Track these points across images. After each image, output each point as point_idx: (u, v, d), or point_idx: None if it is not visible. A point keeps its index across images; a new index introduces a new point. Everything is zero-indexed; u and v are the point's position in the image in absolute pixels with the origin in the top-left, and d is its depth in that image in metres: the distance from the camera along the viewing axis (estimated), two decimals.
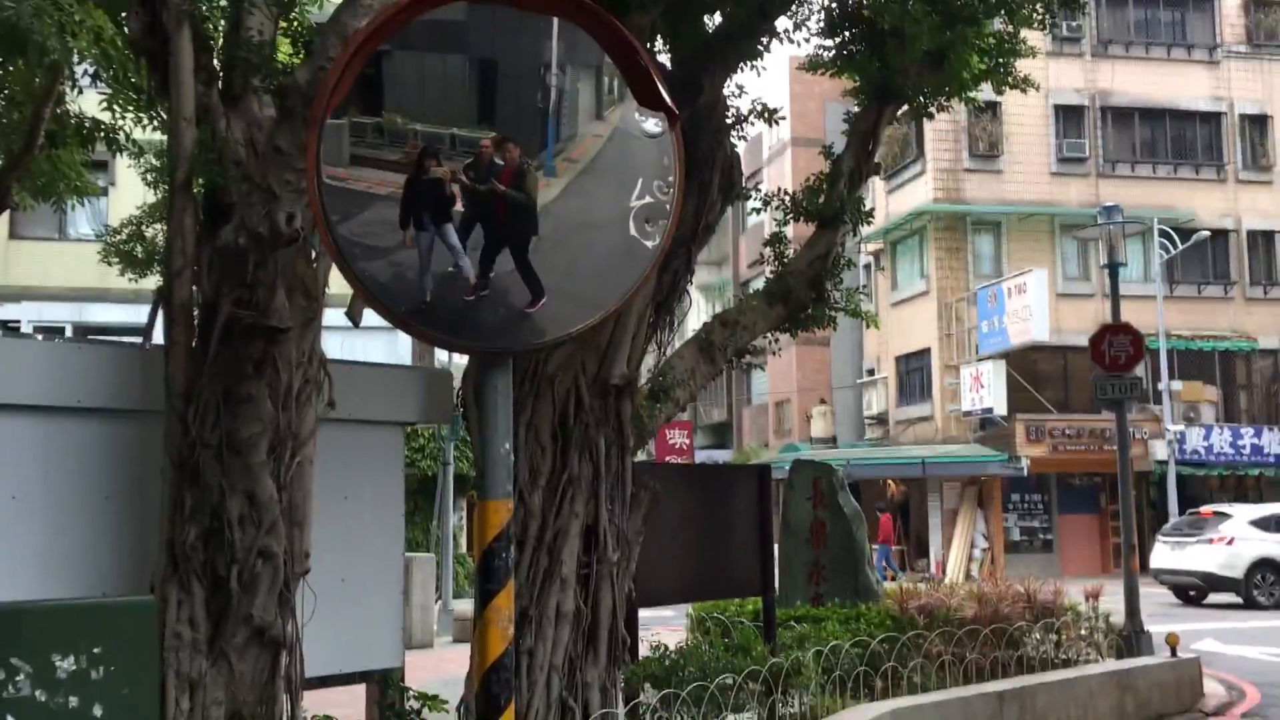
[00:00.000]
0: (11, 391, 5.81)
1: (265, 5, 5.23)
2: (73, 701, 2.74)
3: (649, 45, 6.25)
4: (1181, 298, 30.68)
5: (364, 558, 7.08)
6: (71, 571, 5.70)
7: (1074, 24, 30.95)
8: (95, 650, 2.74)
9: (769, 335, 9.15)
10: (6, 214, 20.87)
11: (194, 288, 5.29)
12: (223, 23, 5.74)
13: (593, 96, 4.62)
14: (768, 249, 9.03)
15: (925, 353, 31.37)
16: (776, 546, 12.89)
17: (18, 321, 24.12)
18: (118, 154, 13.33)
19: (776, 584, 11.93)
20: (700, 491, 9.11)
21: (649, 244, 3.93)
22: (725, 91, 7.38)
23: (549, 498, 6.71)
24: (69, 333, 23.62)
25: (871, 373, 34.13)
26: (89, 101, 12.59)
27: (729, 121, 7.47)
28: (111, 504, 5.98)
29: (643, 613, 10.83)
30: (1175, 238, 29.31)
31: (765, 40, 6.92)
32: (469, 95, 4.55)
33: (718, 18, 6.69)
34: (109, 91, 11.30)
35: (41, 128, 12.16)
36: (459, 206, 4.33)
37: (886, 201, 32.48)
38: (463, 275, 4.21)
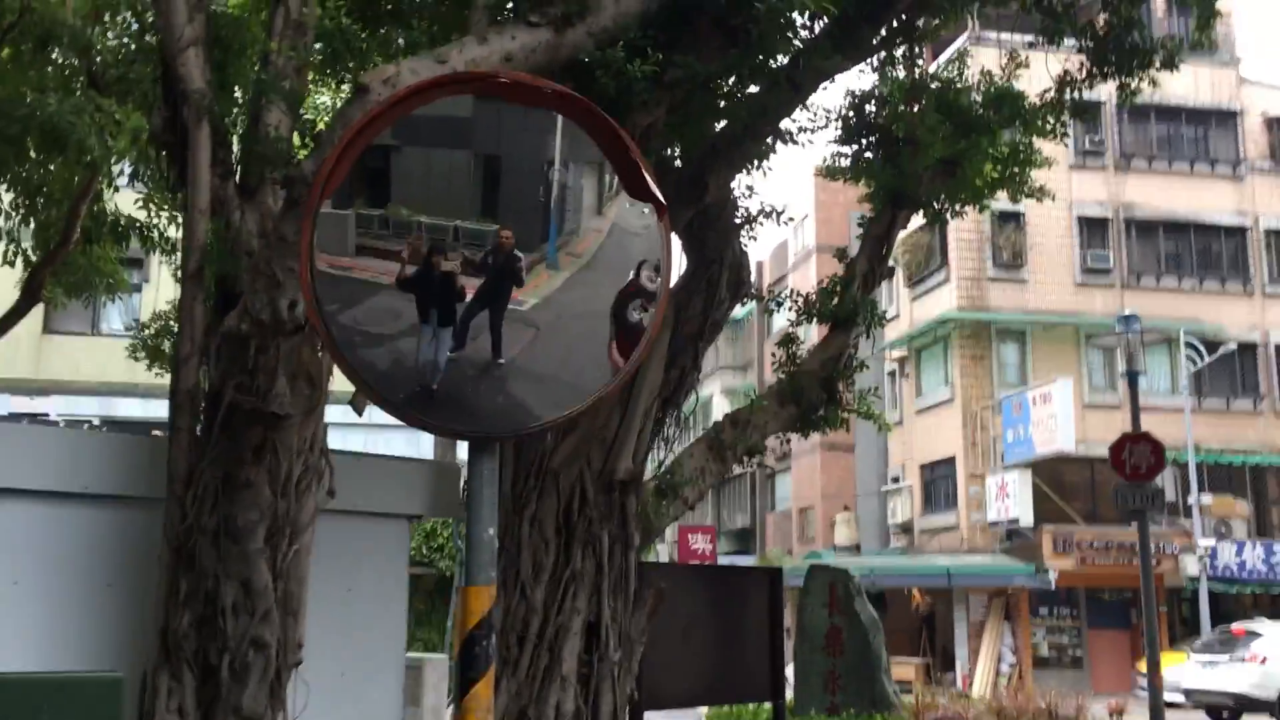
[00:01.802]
0: (18, 476, 5.87)
1: (280, 102, 5.39)
2: None
3: (655, 146, 6.39)
4: (1210, 411, 30.37)
5: (363, 651, 7.01)
6: (67, 658, 5.68)
7: (1096, 138, 31.34)
8: None
9: (780, 436, 9.13)
10: (41, 309, 21.31)
11: (201, 375, 5.36)
12: (241, 119, 5.92)
13: (594, 192, 4.72)
14: (780, 350, 9.06)
15: (950, 461, 31.08)
16: (791, 653, 12.67)
17: (46, 414, 24.39)
18: (151, 251, 13.64)
19: (792, 692, 11.70)
20: (710, 593, 9.00)
21: (636, 326, 3.96)
22: (735, 192, 7.51)
23: (551, 593, 6.65)
24: (98, 425, 23.85)
25: (896, 480, 33.80)
26: (125, 199, 12.93)
27: (737, 222, 7.58)
28: (113, 591, 5.98)
29: (654, 716, 10.62)
30: (1203, 350, 29.15)
31: (770, 141, 7.05)
32: (472, 188, 4.65)
33: (722, 120, 6.84)
34: (145, 190, 11.63)
35: (78, 224, 12.49)
36: (468, 298, 4.38)
37: (911, 309, 32.58)
38: (466, 363, 4.24)
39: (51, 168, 11.89)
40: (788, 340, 9.18)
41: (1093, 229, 31.24)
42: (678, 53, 5.37)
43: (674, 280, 7.84)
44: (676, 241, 7.66)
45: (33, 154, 11.18)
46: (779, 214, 7.82)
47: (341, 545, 6.91)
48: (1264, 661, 20.00)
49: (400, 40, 6.75)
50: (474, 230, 4.63)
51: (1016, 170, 10.35)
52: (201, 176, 5.42)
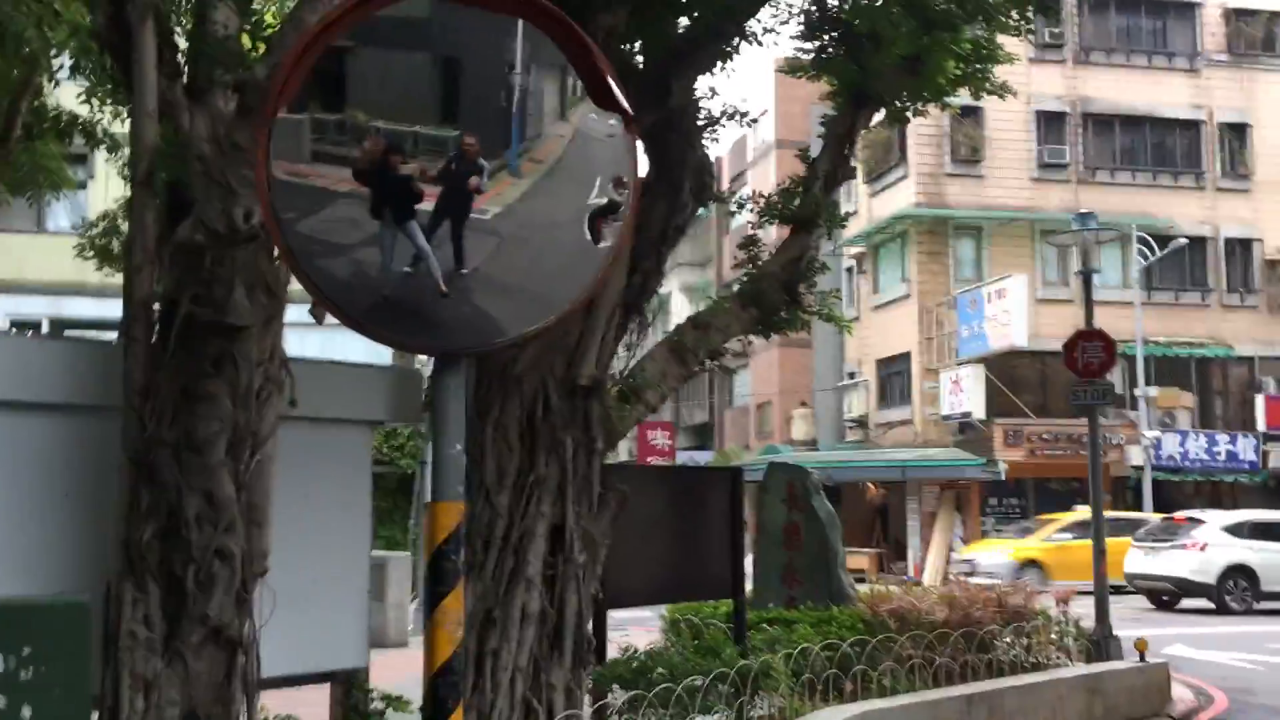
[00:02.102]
0: None
1: (229, 4, 5.19)
2: (0, 702, 2.69)
3: (618, 48, 6.25)
4: (1159, 304, 30.85)
5: (328, 557, 7.03)
6: (28, 570, 5.64)
7: (1056, 31, 31.10)
8: (25, 651, 2.70)
9: (742, 338, 9.15)
10: None
11: (155, 284, 5.24)
12: (186, 17, 5.69)
13: (556, 97, 4.61)
14: (741, 251, 9.03)
15: (906, 357, 31.45)
16: (750, 549, 12.90)
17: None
18: (96, 148, 13.25)
19: (750, 587, 11.93)
20: (671, 493, 9.10)
21: (603, 244, 3.91)
22: (698, 94, 7.38)
23: (516, 498, 6.68)
24: (45, 327, 23.46)
25: (853, 376, 34.20)
26: (67, 94, 12.51)
27: (700, 124, 7.46)
28: (70, 501, 5.91)
29: (618, 614, 10.83)
30: (1154, 245, 29.46)
31: (734, 43, 6.90)
32: (432, 92, 4.52)
33: (685, 21, 6.67)
34: (87, 84, 11.24)
35: (18, 120, 12.08)
36: (429, 203, 4.29)
37: (869, 205, 32.56)
38: (430, 275, 4.18)
39: None
40: (749, 242, 9.14)
41: (1050, 124, 31.22)
42: None
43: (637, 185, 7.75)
44: (640, 146, 7.55)
45: None
46: (743, 115, 7.71)
47: (303, 452, 6.86)
48: (1203, 548, 20.72)
49: None
50: (435, 136, 4.53)
51: (980, 67, 10.24)
52: (147, 77, 5.22)
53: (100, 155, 14.73)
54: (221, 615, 5.07)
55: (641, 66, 6.92)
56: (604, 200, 3.99)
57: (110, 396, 5.68)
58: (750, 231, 9.31)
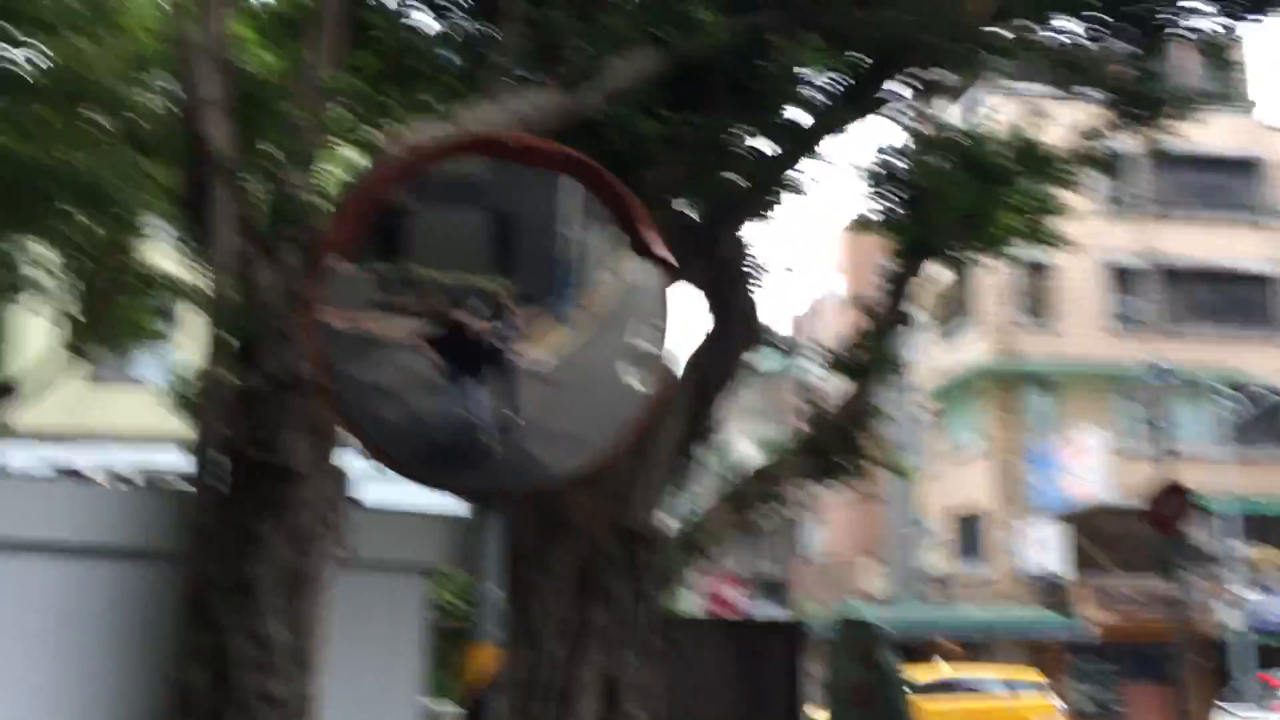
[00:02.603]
0: (34, 530, 5.91)
1: (300, 164, 5.49)
2: None
3: (670, 200, 6.45)
4: (1251, 461, 29.88)
5: (380, 706, 6.98)
6: (84, 714, 5.69)
7: (1127, 188, 31.24)
8: None
9: (807, 489, 9.10)
10: (83, 360, 21.60)
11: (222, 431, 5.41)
12: (265, 179, 6.02)
13: (606, 249, 4.76)
14: (803, 403, 9.05)
15: (983, 512, 30.74)
16: (824, 709, 12.50)
17: (86, 466, 24.62)
18: (184, 304, 13.82)
19: None
20: (730, 646, 8.93)
21: (640, 388, 3.98)
22: (746, 245, 7.55)
23: (568, 647, 6.62)
24: (135, 475, 24.02)
25: (928, 531, 33.45)
26: (159, 253, 13.16)
27: (745, 270, 7.61)
28: (129, 648, 5.99)
29: None
30: (1242, 399, 28.75)
31: (777, 194, 7.09)
32: (483, 246, 4.70)
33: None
34: (177, 244, 11.82)
35: (115, 277, 12.72)
36: (490, 361, 4.41)
37: (939, 357, 32.40)
38: (487, 438, 4.25)
39: (87, 223, 12.15)
40: (811, 393, 9.16)
41: (1125, 277, 31.05)
42: (689, 111, 5.43)
43: (695, 332, 7.89)
44: (696, 294, 7.70)
45: (68, 209, 11.41)
46: (790, 265, 7.85)
47: (357, 599, 6.91)
48: None
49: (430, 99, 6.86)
50: (488, 290, 4.68)
51: (1037, 220, 10.35)
52: (223, 235, 5.51)
53: (187, 310, 15.38)
54: None
55: (693, 220, 7.12)
56: (641, 345, 4.08)
57: (172, 543, 5.81)
58: (810, 382, 9.33)
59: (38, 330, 17.15)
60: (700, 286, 7.49)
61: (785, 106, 5.21)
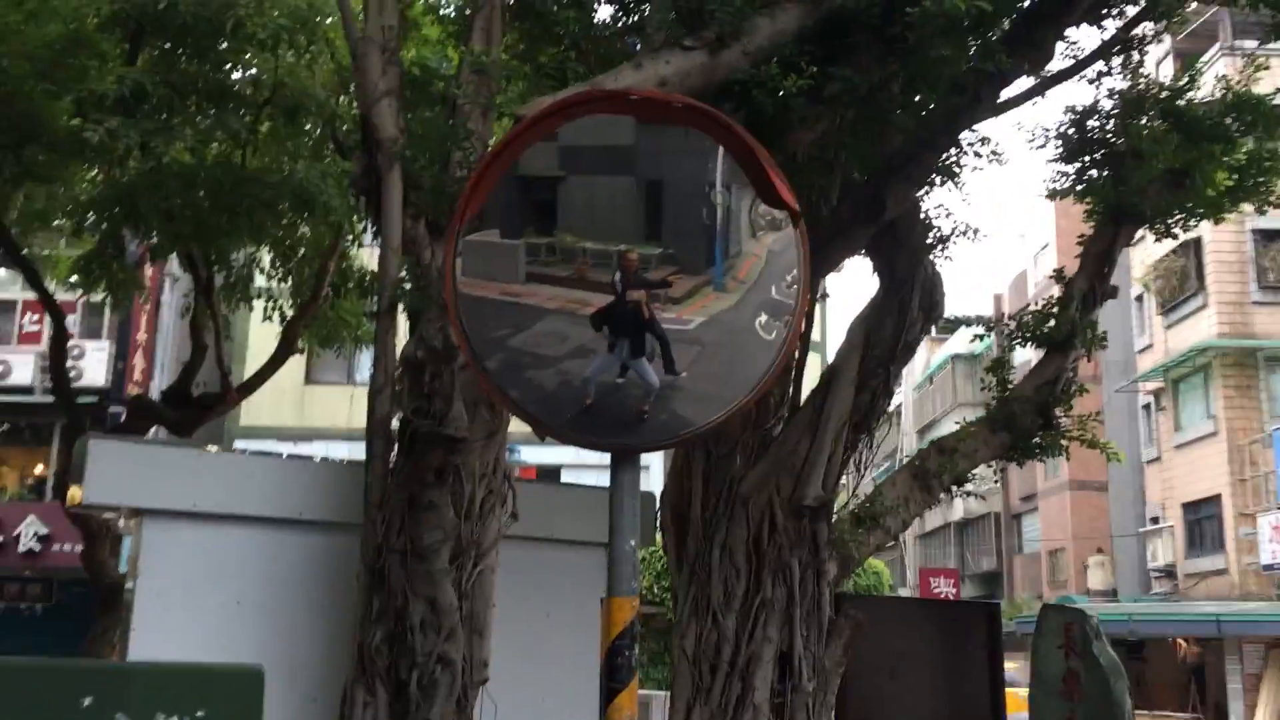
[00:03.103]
0: (241, 504, 6.37)
1: (461, 146, 5.67)
2: None
3: (834, 162, 6.32)
4: None
5: (562, 678, 7.16)
6: (282, 676, 6.07)
7: None
8: (199, 713, 2.92)
9: (991, 464, 8.74)
10: (303, 361, 22.91)
11: (393, 403, 5.66)
12: (433, 162, 6.24)
13: (744, 208, 4.71)
14: (989, 375, 8.70)
15: (1216, 499, 28.77)
16: (1027, 698, 11.99)
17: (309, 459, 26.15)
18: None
19: None
20: (922, 627, 8.67)
21: (771, 339, 3.92)
22: (925, 211, 7.30)
23: (742, 621, 6.59)
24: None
25: (1156, 521, 31.57)
26: (370, 255, 13.84)
27: (929, 242, 7.36)
28: (324, 611, 6.37)
29: None
30: None
31: (954, 155, 6.81)
32: (633, 211, 4.73)
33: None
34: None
35: (327, 280, 13.47)
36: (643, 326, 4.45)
37: (1165, 337, 30.53)
38: (648, 389, 4.28)
39: (304, 229, 12.90)
40: (998, 365, 8.80)
41: None
42: (836, 66, 5.30)
43: (865, 302, 7.69)
44: (866, 262, 7.51)
45: (287, 217, 12.14)
46: (975, 232, 7.54)
47: (540, 572, 7.11)
48: None
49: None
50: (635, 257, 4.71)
51: (1259, 179, 9.60)
52: (394, 217, 5.75)
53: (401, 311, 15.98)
54: None
55: (858, 183, 6.95)
56: (776, 298, 4.01)
57: (359, 513, 6.13)
58: (1001, 356, 8.95)
59: (261, 334, 18.36)
60: (871, 253, 7.30)
61: (936, 55, 5.00)
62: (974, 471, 8.33)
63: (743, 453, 6.88)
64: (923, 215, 7.27)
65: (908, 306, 7.20)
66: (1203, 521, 29.67)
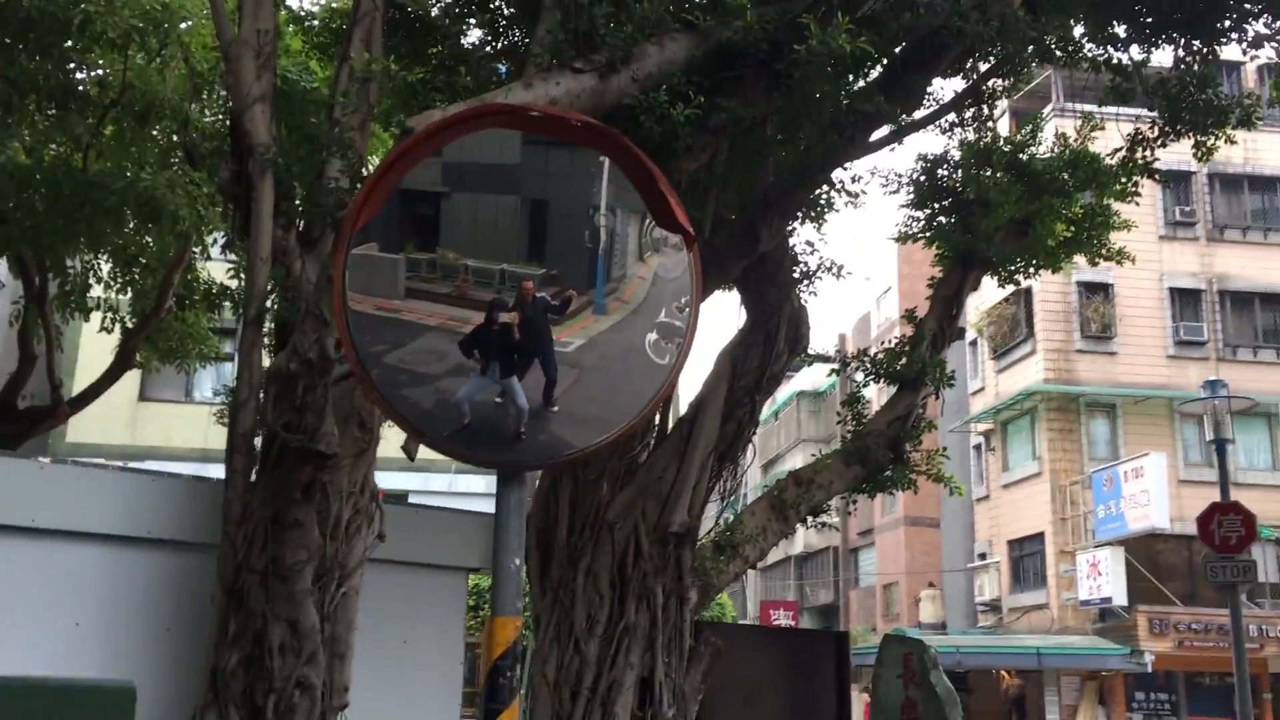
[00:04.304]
0: (84, 520, 6.02)
1: (341, 153, 5.56)
2: None
3: (709, 196, 6.44)
4: None
5: (421, 702, 7.00)
6: None
7: (1187, 208, 30.76)
8: None
9: (847, 498, 8.99)
10: (137, 376, 21.93)
11: (256, 419, 5.47)
12: (305, 171, 6.10)
13: (638, 237, 4.75)
14: (844, 409, 8.97)
15: (1039, 537, 30.18)
16: None
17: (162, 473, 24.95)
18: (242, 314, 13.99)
19: None
20: (774, 654, 8.82)
21: (662, 362, 3.96)
22: (794, 247, 7.50)
23: (604, 647, 6.59)
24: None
25: (983, 557, 32.91)
26: (218, 269, 13.36)
27: (796, 276, 7.56)
28: (172, 635, 6.07)
29: None
30: None
31: (825, 191, 7.04)
32: (513, 230, 4.72)
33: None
34: (237, 259, 12.00)
35: (171, 292, 12.94)
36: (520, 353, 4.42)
37: (996, 381, 31.98)
38: (516, 420, 4.26)
39: (148, 238, 12.37)
40: (853, 400, 9.08)
41: (1185, 300, 30.46)
42: (722, 97, 5.42)
43: (733, 334, 7.84)
44: (735, 295, 7.66)
45: (130, 225, 11.63)
46: (839, 268, 7.80)
47: (400, 596, 6.95)
48: None
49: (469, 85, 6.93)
50: (517, 274, 4.69)
51: (1093, 232, 10.20)
52: (264, 226, 5.59)
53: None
54: None
55: (733, 216, 7.10)
56: (668, 321, 4.06)
57: (214, 533, 5.88)
58: (856, 391, 9.25)
59: (93, 346, 17.47)
60: (741, 286, 7.46)
61: (818, 93, 5.18)
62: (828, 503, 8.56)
63: (610, 478, 6.90)
64: (791, 250, 7.46)
65: (774, 339, 7.37)
66: (1026, 558, 31.06)
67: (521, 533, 3.71)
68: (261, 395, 5.42)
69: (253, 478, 5.45)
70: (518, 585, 3.59)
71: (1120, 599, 27.01)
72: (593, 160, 4.55)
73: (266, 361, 5.72)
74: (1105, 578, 27.18)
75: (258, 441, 5.51)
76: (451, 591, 7.34)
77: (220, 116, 11.33)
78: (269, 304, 5.63)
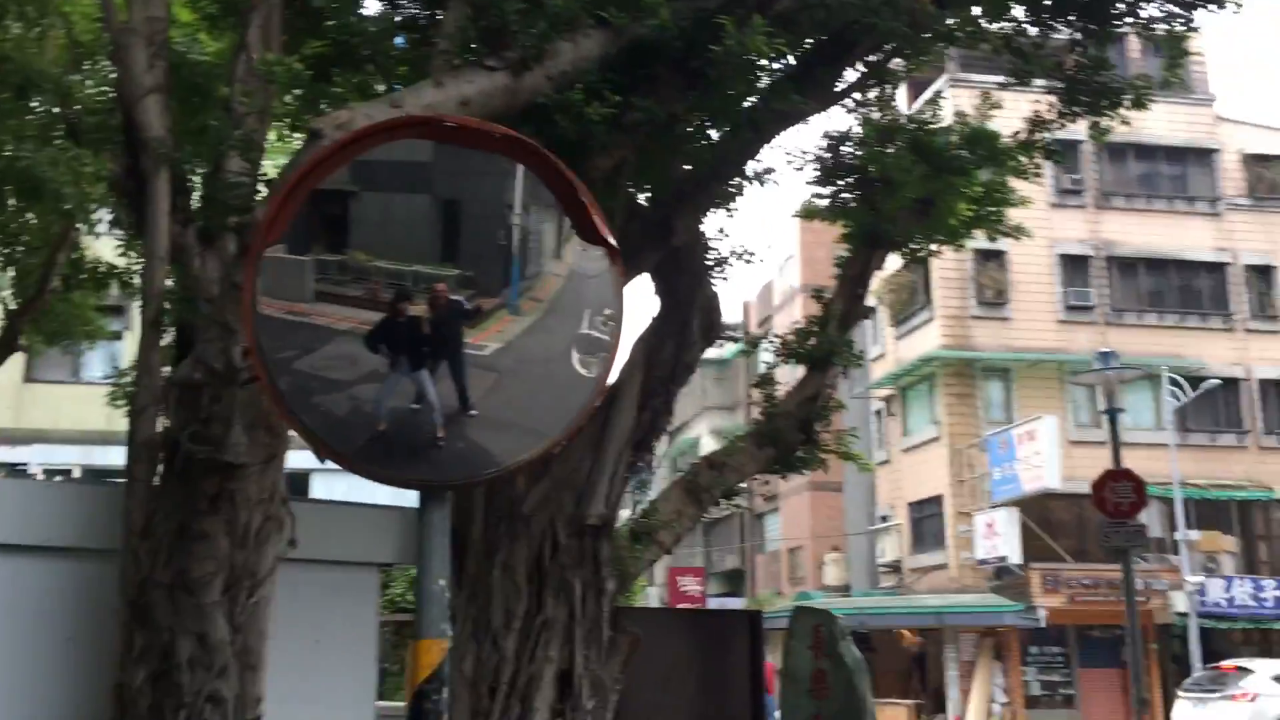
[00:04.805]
0: None
1: (242, 151, 5.36)
2: None
3: (621, 189, 6.37)
4: (1195, 446, 30.33)
5: (333, 705, 6.87)
6: (24, 712, 5.55)
7: (1076, 177, 31.57)
8: None
9: (759, 477, 9.06)
10: (21, 357, 21.14)
11: (159, 425, 5.27)
12: (203, 166, 5.88)
13: (553, 236, 4.67)
14: (756, 390, 9.01)
15: (938, 499, 30.97)
16: (776, 696, 12.46)
17: (26, 465, 24.16)
18: (132, 298, 13.51)
19: None
20: (689, 637, 8.88)
21: (588, 374, 3.90)
22: (706, 234, 7.48)
23: (523, 641, 6.54)
24: (76, 475, 23.61)
25: (885, 519, 33.67)
26: (105, 247, 12.87)
27: (708, 264, 7.55)
28: (73, 646, 5.85)
29: None
30: (1186, 386, 29.17)
31: (736, 183, 7.03)
32: (429, 232, 4.60)
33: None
34: (124, 237, 11.57)
35: (55, 272, 12.43)
36: (429, 347, 4.31)
37: (896, 347, 32.60)
38: (432, 422, 4.16)
39: (30, 216, 11.86)
40: (765, 381, 9.13)
41: (1074, 266, 31.36)
42: (637, 95, 5.36)
43: (646, 322, 7.81)
44: (648, 283, 7.63)
45: (10, 202, 11.14)
46: (750, 255, 7.80)
47: (309, 595, 6.79)
48: (1254, 699, 19.86)
49: (381, 86, 6.73)
50: (434, 278, 4.58)
51: (992, 210, 10.38)
52: (160, 223, 5.36)
53: (136, 306, 15.00)
54: None
55: (646, 207, 7.05)
56: (591, 334, 4.00)
57: (115, 540, 5.67)
58: (764, 371, 9.30)
59: None
60: (654, 275, 7.41)
61: (734, 91, 5.15)
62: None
63: (524, 471, 6.81)
64: (703, 238, 7.44)
65: (688, 327, 7.35)
66: (926, 520, 31.86)
67: (446, 552, 3.63)
68: (161, 401, 5.22)
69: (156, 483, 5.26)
70: (443, 607, 3.51)
71: (1015, 557, 27.90)
72: (507, 162, 4.45)
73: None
74: (1001, 537, 28.03)
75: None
76: (364, 587, 7.21)
77: (105, 90, 10.87)
78: (166, 305, 5.41)
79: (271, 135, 10.89)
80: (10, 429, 24.09)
